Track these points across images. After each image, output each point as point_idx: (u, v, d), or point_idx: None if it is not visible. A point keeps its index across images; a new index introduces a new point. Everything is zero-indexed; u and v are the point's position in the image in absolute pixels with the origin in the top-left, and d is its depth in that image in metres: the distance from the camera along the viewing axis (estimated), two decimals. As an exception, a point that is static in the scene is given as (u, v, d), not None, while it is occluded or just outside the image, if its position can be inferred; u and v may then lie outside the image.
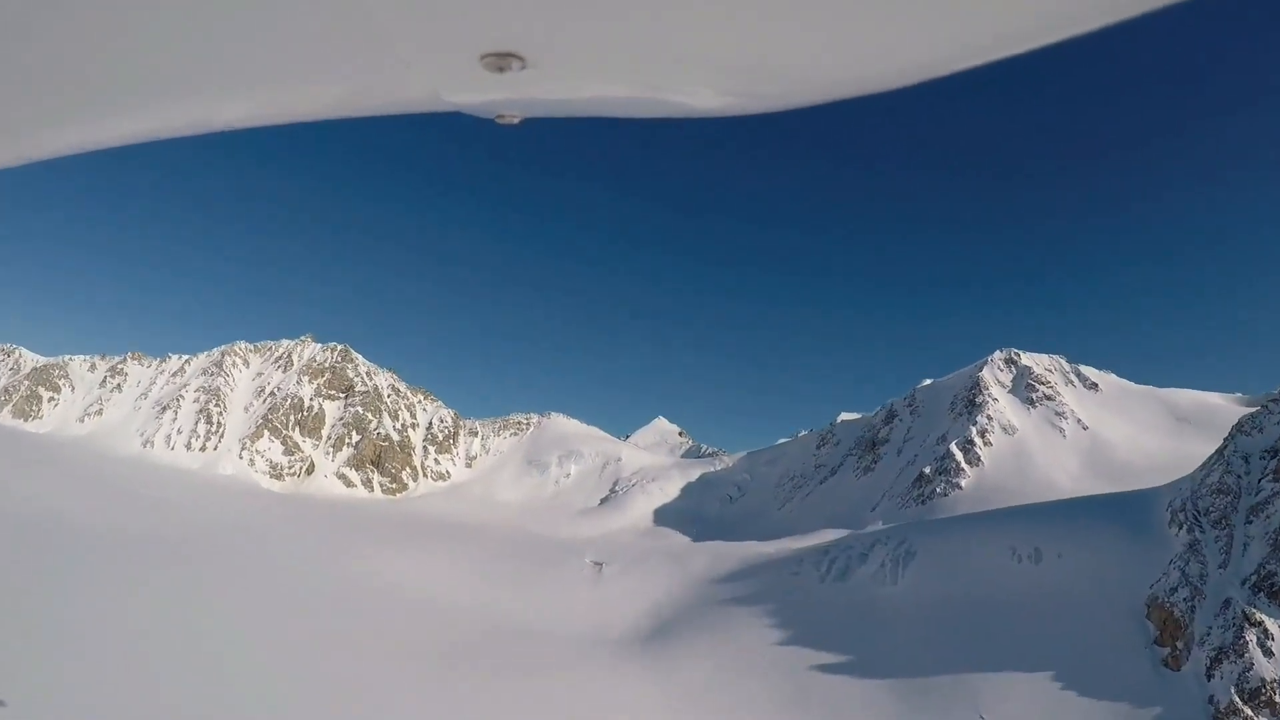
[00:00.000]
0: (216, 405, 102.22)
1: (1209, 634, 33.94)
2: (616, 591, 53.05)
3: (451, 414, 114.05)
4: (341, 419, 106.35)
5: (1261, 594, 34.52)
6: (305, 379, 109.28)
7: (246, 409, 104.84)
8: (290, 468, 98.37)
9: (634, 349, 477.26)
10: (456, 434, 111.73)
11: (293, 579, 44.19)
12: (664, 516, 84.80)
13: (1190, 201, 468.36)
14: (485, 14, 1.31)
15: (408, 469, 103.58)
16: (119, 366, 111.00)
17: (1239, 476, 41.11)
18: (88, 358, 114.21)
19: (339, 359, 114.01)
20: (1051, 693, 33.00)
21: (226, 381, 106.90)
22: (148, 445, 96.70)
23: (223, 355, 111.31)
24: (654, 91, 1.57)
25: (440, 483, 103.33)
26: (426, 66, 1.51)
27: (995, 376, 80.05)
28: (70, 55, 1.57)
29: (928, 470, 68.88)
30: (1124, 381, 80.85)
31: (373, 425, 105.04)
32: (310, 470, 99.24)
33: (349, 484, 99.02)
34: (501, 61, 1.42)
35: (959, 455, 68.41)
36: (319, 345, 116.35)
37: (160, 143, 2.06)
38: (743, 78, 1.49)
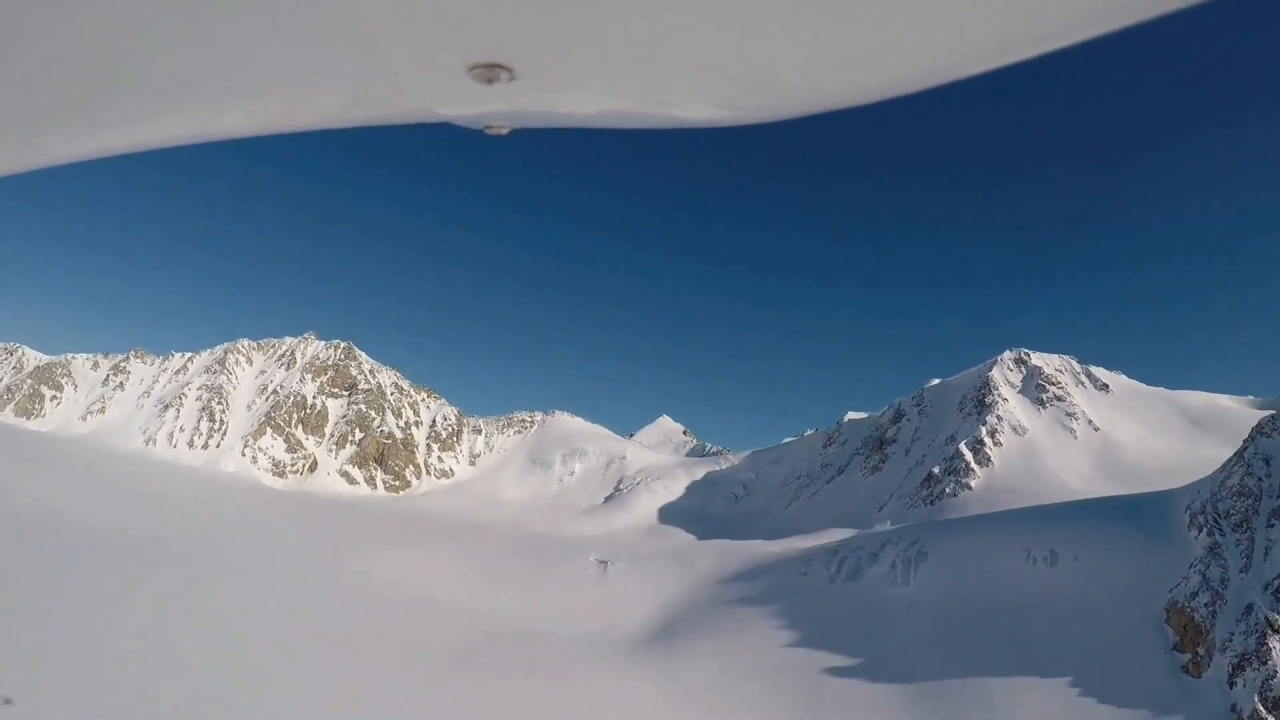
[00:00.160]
0: (219, 403, 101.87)
1: (1231, 640, 33.11)
2: (620, 591, 52.38)
3: (455, 412, 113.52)
4: (344, 416, 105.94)
5: (1284, 599, 33.68)
6: (308, 377, 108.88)
7: (249, 407, 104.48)
8: (293, 465, 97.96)
9: (639, 348, 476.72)
10: (460, 432, 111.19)
11: (293, 578, 43.78)
12: (668, 515, 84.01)
13: (1202, 203, 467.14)
14: (473, 26, 1.31)
15: (411, 466, 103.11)
16: (121, 365, 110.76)
17: (1260, 479, 40.26)
18: (90, 356, 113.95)
19: (342, 357, 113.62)
20: (1069, 698, 32.21)
21: (229, 379, 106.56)
22: (150, 443, 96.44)
23: (225, 353, 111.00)
24: (643, 104, 1.55)
25: (444, 480, 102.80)
26: (415, 78, 1.51)
27: (1005, 376, 79.21)
28: (70, 68, 1.58)
29: (937, 470, 68.07)
30: (1135, 383, 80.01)
31: (376, 423, 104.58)
32: (313, 468, 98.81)
33: (352, 481, 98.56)
34: (490, 73, 1.42)
35: (968, 455, 67.58)
36: (322, 343, 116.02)
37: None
38: (733, 90, 1.47)
